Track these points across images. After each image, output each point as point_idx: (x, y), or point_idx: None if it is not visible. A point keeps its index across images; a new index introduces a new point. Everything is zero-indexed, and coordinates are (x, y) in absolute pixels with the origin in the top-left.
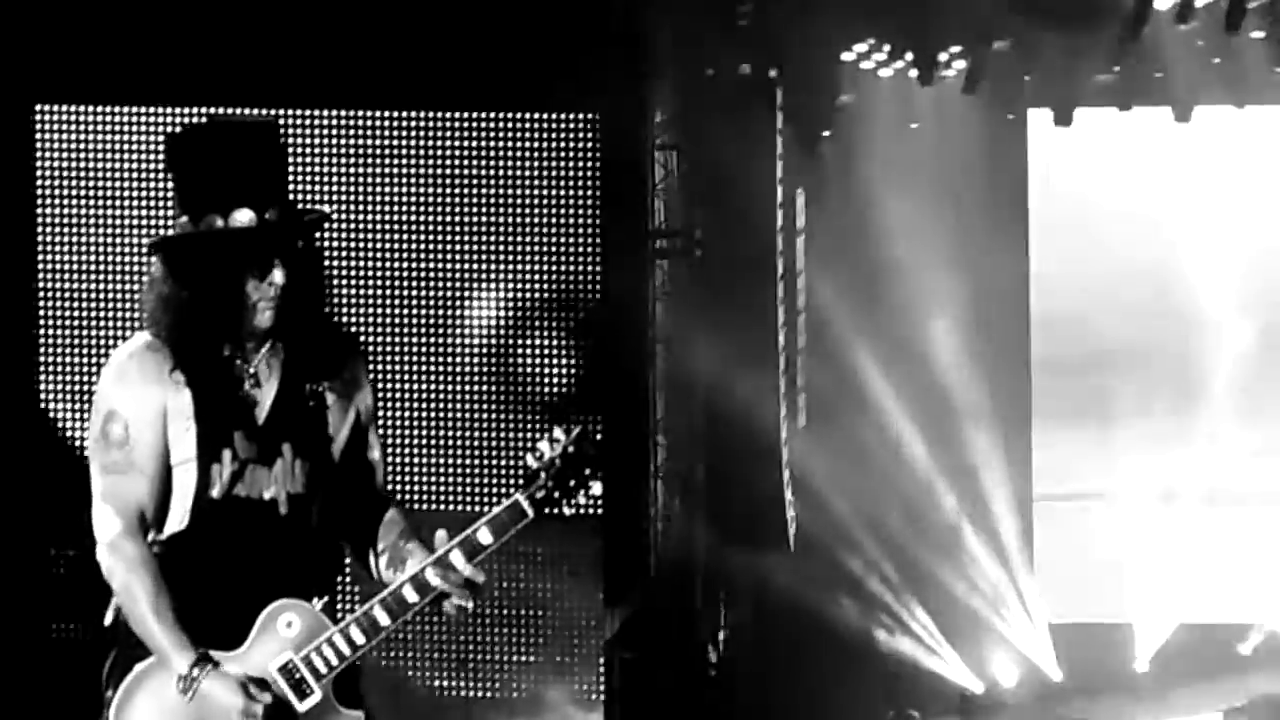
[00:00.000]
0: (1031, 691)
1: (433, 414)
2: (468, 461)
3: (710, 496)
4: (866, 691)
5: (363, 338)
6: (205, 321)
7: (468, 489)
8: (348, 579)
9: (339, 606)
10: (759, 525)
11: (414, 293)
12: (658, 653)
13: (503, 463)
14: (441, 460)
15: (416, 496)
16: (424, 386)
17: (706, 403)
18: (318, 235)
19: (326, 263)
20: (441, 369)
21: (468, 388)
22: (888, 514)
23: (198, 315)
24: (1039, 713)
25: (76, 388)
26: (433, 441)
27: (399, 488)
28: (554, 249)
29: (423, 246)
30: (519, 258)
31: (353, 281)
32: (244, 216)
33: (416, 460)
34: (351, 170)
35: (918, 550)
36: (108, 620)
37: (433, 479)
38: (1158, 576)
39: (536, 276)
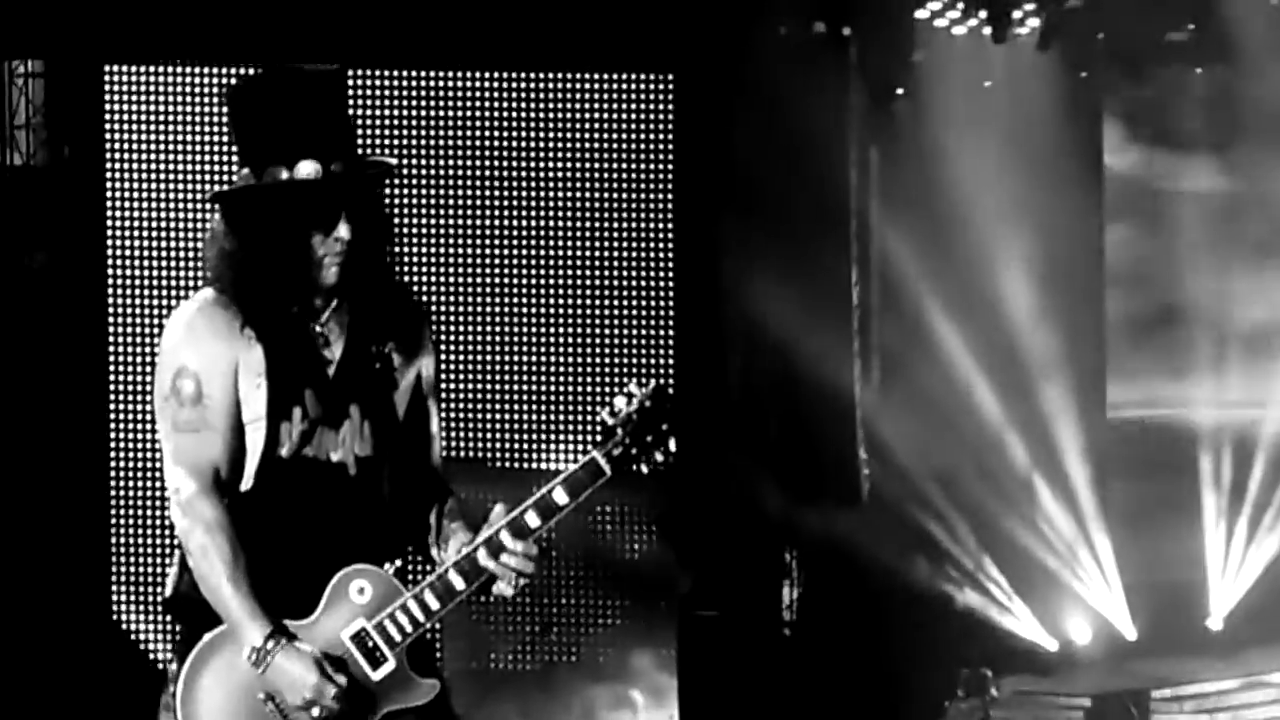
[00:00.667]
0: (1105, 650)
1: (504, 370)
2: (540, 418)
3: (783, 454)
4: (939, 649)
5: (433, 291)
6: (270, 278)
7: (540, 447)
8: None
9: (412, 571)
10: (832, 482)
11: (486, 244)
12: (731, 612)
13: (575, 419)
14: (513, 417)
15: (487, 454)
16: (496, 343)
17: (779, 360)
18: (384, 188)
19: (393, 217)
20: (515, 326)
21: (542, 344)
22: (960, 470)
23: (262, 271)
24: (1113, 672)
25: (146, 351)
26: (503, 398)
27: (470, 445)
28: (627, 209)
29: (495, 204)
30: (591, 217)
31: (423, 237)
32: (309, 168)
33: (488, 417)
34: (422, 129)
35: (991, 507)
36: (167, 592)
37: (504, 436)
38: (1233, 534)
39: (609, 236)
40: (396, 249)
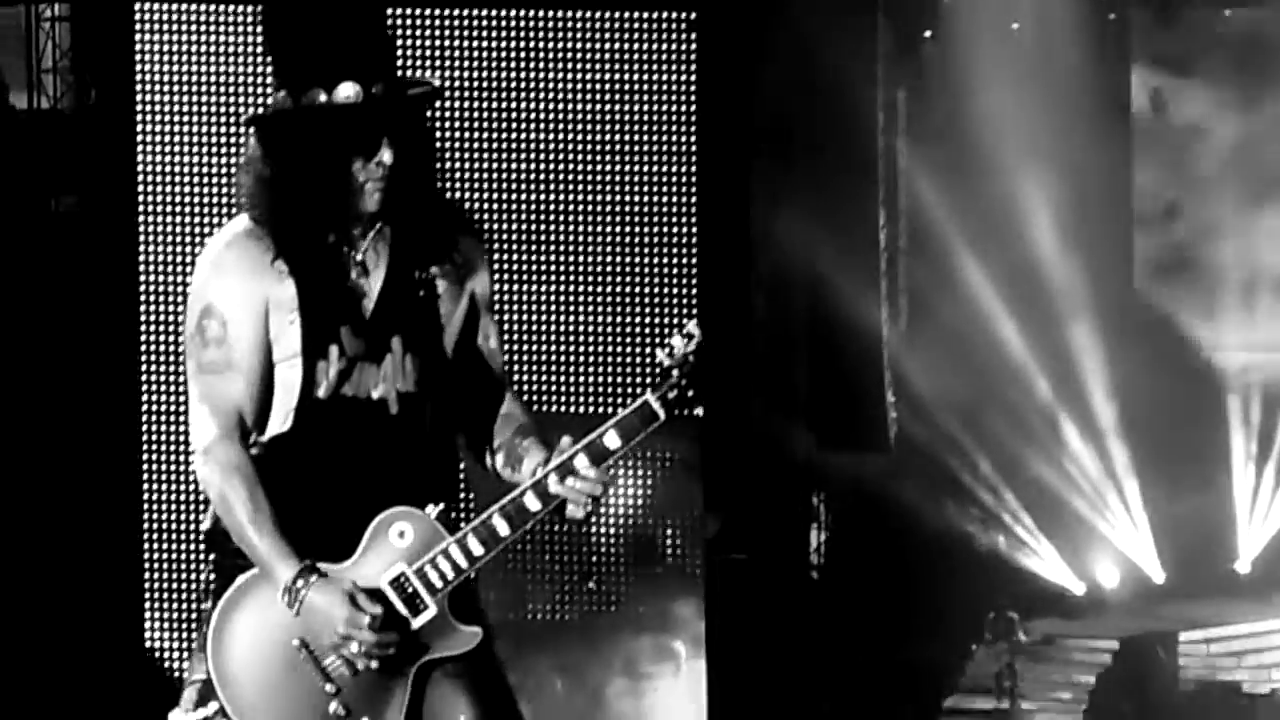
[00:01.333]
0: (1133, 593)
1: (524, 317)
2: (563, 363)
3: (810, 397)
4: (966, 593)
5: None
6: (308, 205)
7: (590, 389)
8: (463, 485)
9: (456, 515)
10: (859, 426)
11: (504, 188)
12: (759, 556)
13: (599, 364)
14: (563, 359)
15: (537, 398)
16: (515, 289)
17: (806, 303)
18: (428, 111)
19: (437, 142)
20: (534, 271)
21: (564, 288)
22: (988, 413)
23: (299, 198)
24: (1140, 615)
25: (177, 294)
26: (524, 345)
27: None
28: (651, 150)
29: (513, 146)
30: (613, 158)
31: (465, 168)
32: (349, 91)
33: (535, 359)
34: (439, 66)
35: (1018, 449)
36: (205, 525)
37: (554, 379)
38: (1261, 476)
39: (631, 178)
40: (441, 173)
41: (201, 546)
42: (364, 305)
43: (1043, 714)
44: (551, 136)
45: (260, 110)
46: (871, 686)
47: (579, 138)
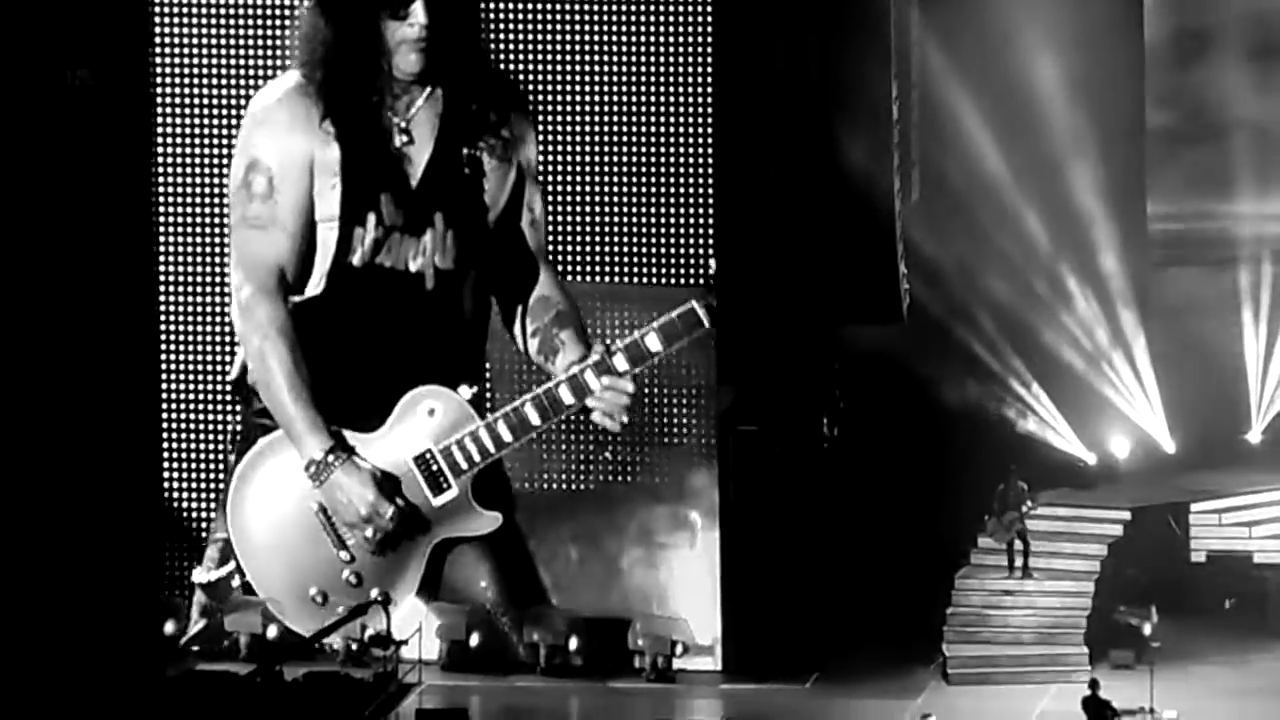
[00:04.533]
0: (1144, 464)
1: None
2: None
3: (824, 270)
4: (977, 463)
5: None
6: (346, 59)
7: (628, 266)
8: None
9: (485, 400)
10: (872, 298)
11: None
12: (772, 427)
13: (610, 247)
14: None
15: (572, 269)
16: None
17: (820, 177)
18: None
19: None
20: (551, 156)
21: (577, 169)
22: (1000, 285)
23: (339, 53)
24: (1152, 485)
25: (192, 174)
26: (587, 211)
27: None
28: (665, 15)
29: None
30: (628, 28)
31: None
32: None
33: (577, 232)
34: None
35: (1031, 321)
36: (233, 375)
37: (592, 252)
38: (1273, 348)
39: (646, 46)
40: (485, 39)
41: (226, 396)
42: (408, 174)
43: (1053, 584)
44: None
45: None
46: (884, 558)
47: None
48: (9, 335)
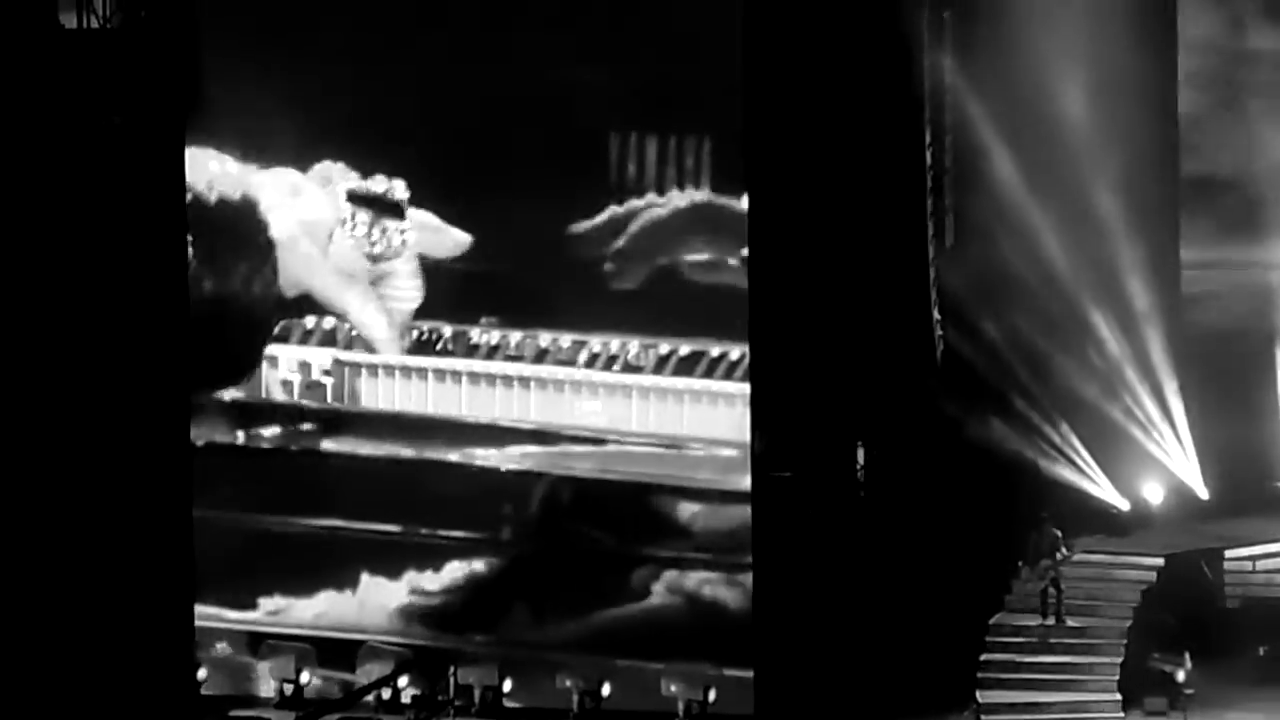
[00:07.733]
0: (1178, 511)
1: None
2: None
3: (856, 316)
4: (1012, 510)
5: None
6: None
7: None
8: None
9: None
10: (905, 345)
11: None
12: (806, 473)
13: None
14: None
15: None
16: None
17: (853, 225)
18: None
19: None
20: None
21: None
22: (1034, 331)
23: None
24: (1186, 532)
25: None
26: None
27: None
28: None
29: None
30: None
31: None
32: None
33: None
34: None
35: (1065, 367)
36: None
37: None
38: None
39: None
40: None
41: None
42: None
43: (1087, 630)
44: None
45: None
46: (917, 603)
47: None
48: (51, 372)
